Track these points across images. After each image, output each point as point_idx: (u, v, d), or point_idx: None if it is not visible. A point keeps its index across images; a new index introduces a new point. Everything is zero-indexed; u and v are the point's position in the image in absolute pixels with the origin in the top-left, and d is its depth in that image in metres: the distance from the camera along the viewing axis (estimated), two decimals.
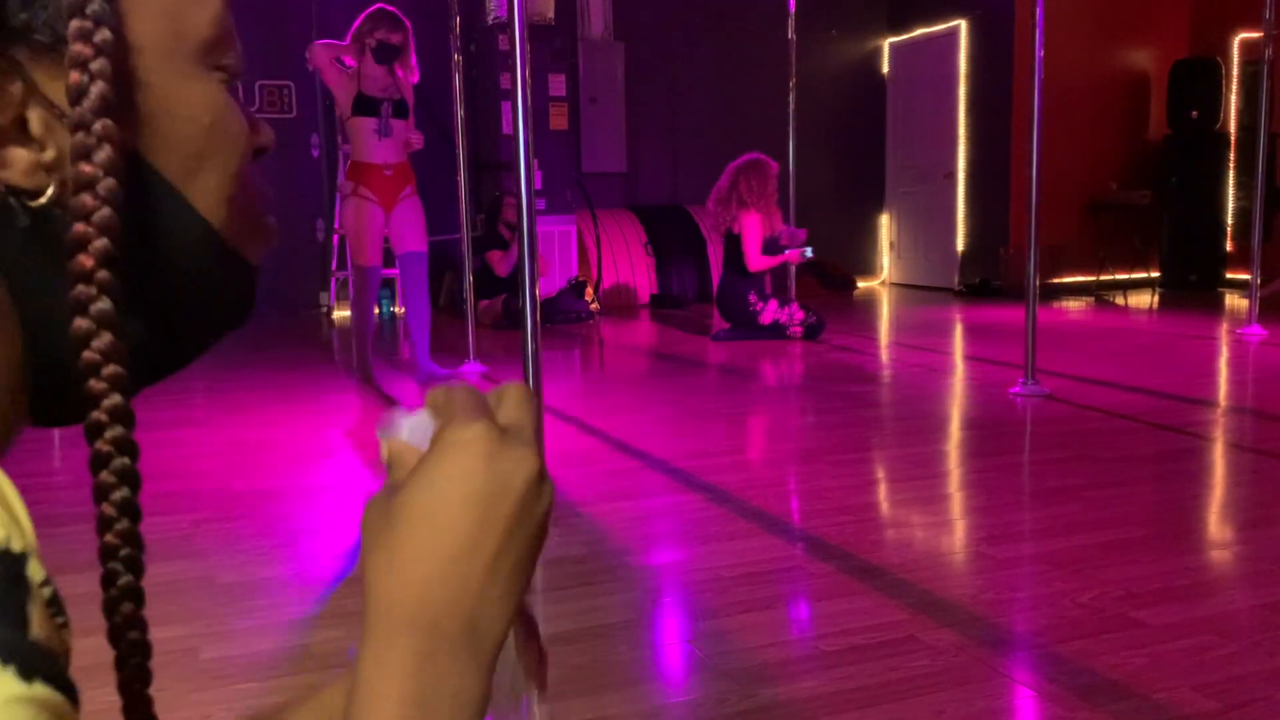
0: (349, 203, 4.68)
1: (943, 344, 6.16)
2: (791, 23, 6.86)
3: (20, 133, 0.40)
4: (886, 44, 9.81)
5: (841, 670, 1.86)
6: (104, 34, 0.39)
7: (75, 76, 0.39)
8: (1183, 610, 2.10)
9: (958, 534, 2.65)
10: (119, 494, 0.40)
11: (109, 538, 0.41)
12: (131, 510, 0.41)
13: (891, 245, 10.00)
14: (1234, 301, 7.71)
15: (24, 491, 0.35)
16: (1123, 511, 2.77)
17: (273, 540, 2.63)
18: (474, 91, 6.98)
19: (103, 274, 0.40)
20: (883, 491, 3.09)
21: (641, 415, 4.16)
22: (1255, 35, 7.22)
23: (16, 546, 0.32)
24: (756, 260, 6.14)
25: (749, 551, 2.50)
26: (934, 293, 9.20)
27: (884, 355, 5.86)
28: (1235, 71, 8.79)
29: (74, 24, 0.39)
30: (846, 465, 3.32)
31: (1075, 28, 8.36)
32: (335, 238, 7.66)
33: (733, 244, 6.22)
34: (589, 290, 7.92)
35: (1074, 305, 8.04)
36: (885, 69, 9.86)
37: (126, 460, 0.41)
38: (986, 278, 8.83)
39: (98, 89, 0.39)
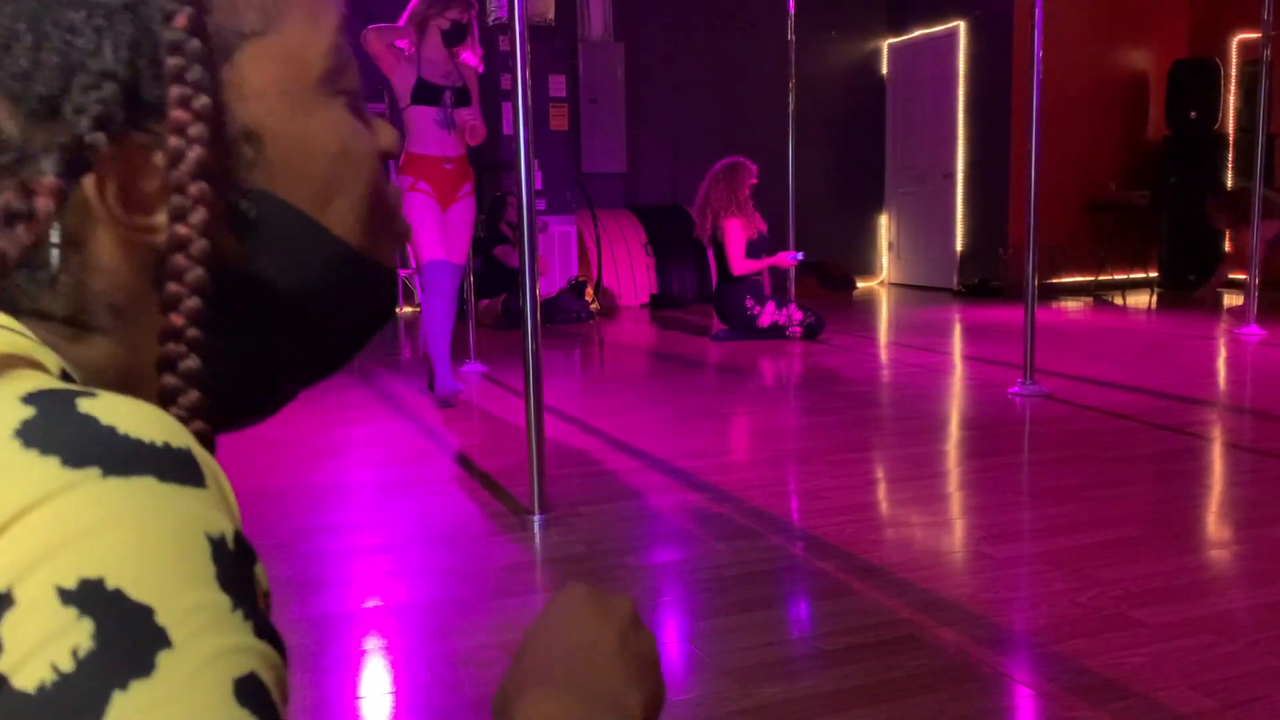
0: (407, 198, 4.29)
1: (942, 344, 6.17)
2: (791, 24, 6.86)
3: (168, 198, 0.42)
4: (885, 45, 9.82)
5: (841, 669, 1.86)
6: (203, 100, 0.42)
7: (174, 141, 0.41)
8: (1181, 610, 2.10)
9: (957, 533, 2.65)
10: None
11: None
12: None
13: (891, 245, 10.01)
14: (1232, 301, 7.72)
15: None
16: (1121, 511, 2.77)
17: (273, 540, 2.64)
18: None
19: (193, 332, 0.43)
20: (882, 491, 3.10)
21: (641, 415, 4.16)
22: (1254, 36, 7.23)
23: (240, 530, 0.37)
24: (740, 265, 6.16)
25: (749, 551, 2.51)
26: (933, 293, 9.21)
27: (883, 355, 5.86)
28: (1234, 72, 8.80)
29: (174, 90, 0.41)
30: (846, 465, 3.32)
31: (1074, 28, 8.37)
32: None
33: (721, 251, 6.23)
34: (589, 290, 7.93)
35: (1073, 305, 8.04)
36: (884, 70, 9.87)
37: None
38: (985, 278, 8.84)
39: (194, 154, 0.41)
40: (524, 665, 0.50)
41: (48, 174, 0.40)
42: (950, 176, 9.22)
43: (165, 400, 0.42)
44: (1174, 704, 1.72)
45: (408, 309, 7.91)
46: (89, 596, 0.31)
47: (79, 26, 0.41)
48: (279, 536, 2.68)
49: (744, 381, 5.09)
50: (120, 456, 0.34)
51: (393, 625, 2.13)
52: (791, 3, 6.83)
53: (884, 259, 10.09)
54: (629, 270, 8.35)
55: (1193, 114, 8.46)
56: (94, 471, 0.33)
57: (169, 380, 0.43)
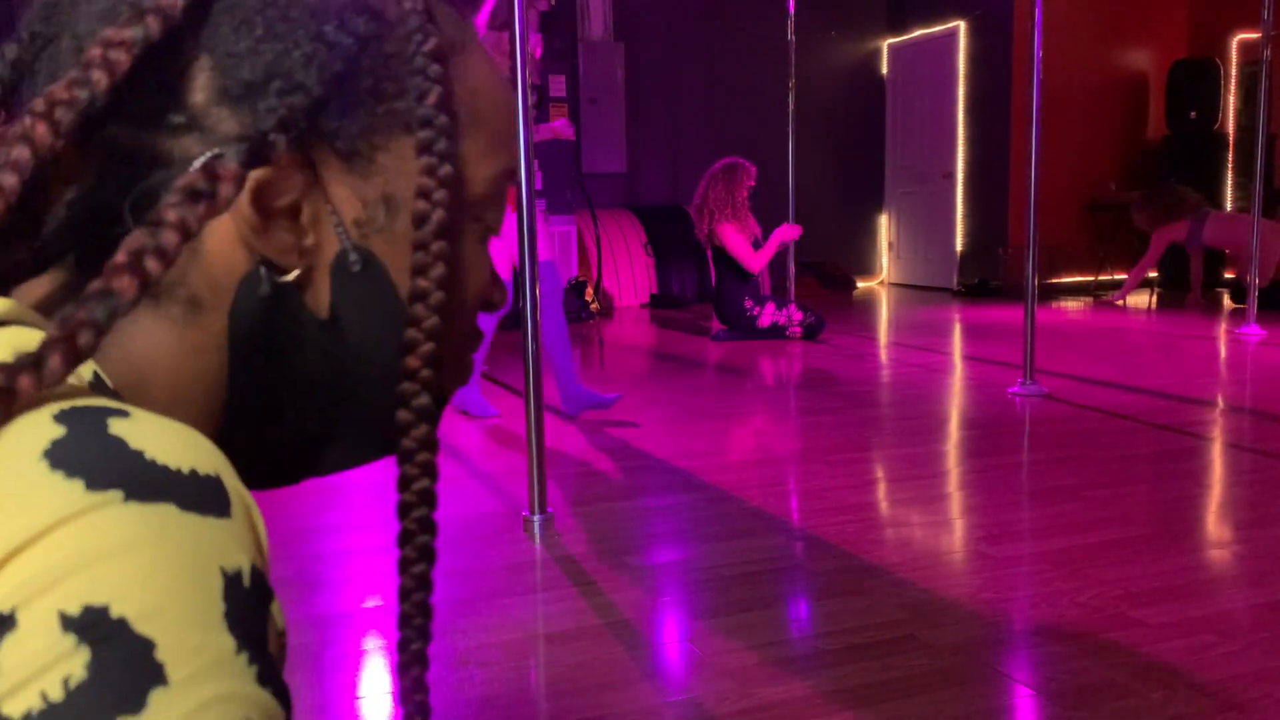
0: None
1: (942, 344, 6.17)
2: (791, 24, 6.86)
3: (290, 217, 0.44)
4: (885, 45, 9.82)
5: (841, 669, 1.86)
6: (447, 169, 0.46)
7: (420, 205, 0.46)
8: (1181, 609, 2.10)
9: (957, 533, 2.65)
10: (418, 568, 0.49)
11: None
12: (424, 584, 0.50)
13: (891, 245, 10.01)
14: (1232, 301, 7.72)
15: None
16: (1121, 511, 2.77)
17: (273, 540, 2.64)
18: None
19: (426, 373, 0.46)
20: (882, 491, 3.10)
21: (641, 415, 4.16)
22: (1254, 36, 7.23)
23: (260, 565, 0.37)
24: (753, 261, 6.11)
25: (749, 551, 2.51)
26: (933, 293, 9.21)
27: (883, 355, 5.86)
28: (1234, 72, 8.80)
29: (424, 160, 0.46)
30: (846, 465, 3.32)
31: (1074, 28, 8.37)
32: None
33: (720, 253, 6.21)
34: (589, 290, 7.93)
35: (1073, 305, 8.04)
36: (884, 70, 9.87)
37: (427, 538, 0.49)
38: (985, 278, 8.84)
39: (438, 216, 0.46)
40: None
41: (232, 162, 0.42)
42: (950, 176, 9.22)
43: (394, 434, 0.46)
44: (1173, 704, 1.72)
45: None
46: (90, 624, 0.31)
47: (302, 40, 0.44)
48: (279, 536, 2.68)
49: (744, 381, 5.09)
50: (144, 482, 0.34)
51: (393, 625, 2.13)
52: (791, 3, 6.83)
53: (884, 259, 10.09)
54: (629, 270, 8.35)
55: (1193, 114, 8.45)
56: (116, 495, 0.33)
57: (403, 415, 0.46)
